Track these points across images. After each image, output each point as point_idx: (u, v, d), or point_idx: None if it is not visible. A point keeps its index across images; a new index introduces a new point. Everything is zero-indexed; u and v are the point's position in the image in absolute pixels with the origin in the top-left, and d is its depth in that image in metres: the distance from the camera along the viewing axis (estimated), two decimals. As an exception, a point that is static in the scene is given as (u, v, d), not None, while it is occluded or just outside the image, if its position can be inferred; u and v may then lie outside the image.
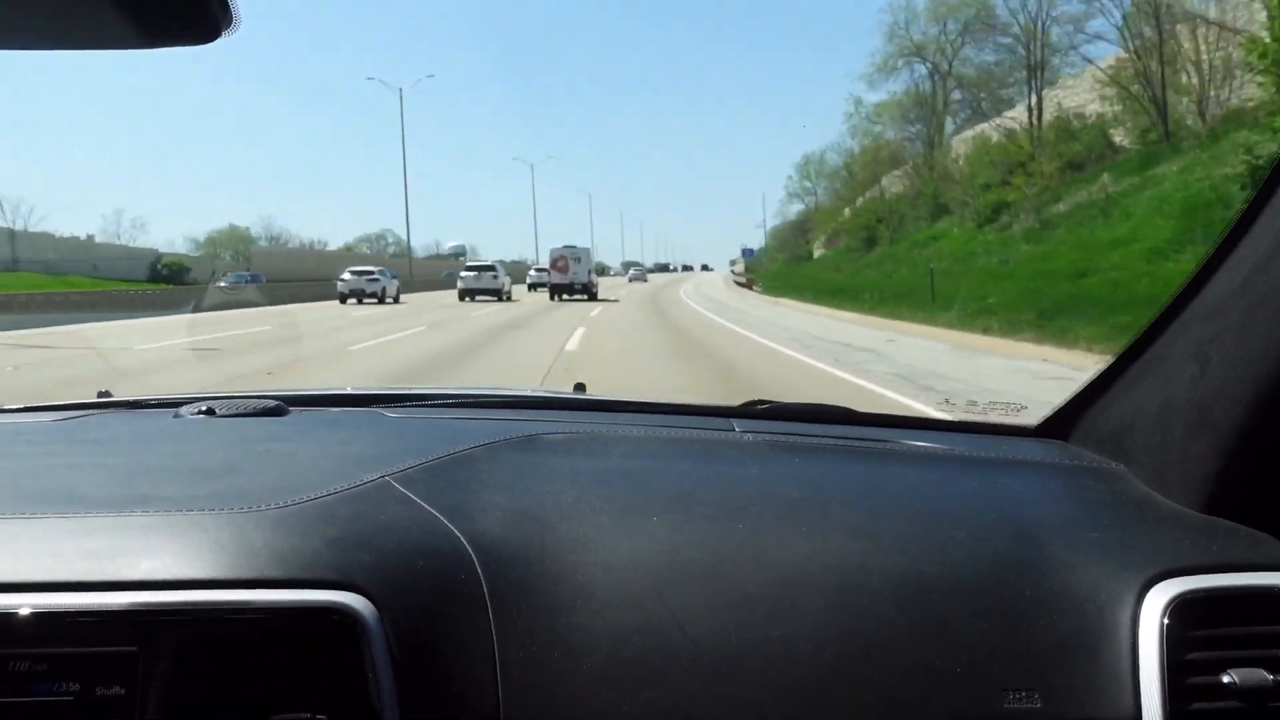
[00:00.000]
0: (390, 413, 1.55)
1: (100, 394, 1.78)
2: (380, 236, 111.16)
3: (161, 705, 0.85)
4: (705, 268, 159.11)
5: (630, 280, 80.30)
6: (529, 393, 1.79)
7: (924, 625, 0.97)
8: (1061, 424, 1.41)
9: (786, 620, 0.97)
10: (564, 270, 39.58)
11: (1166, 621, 0.97)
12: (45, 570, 0.90)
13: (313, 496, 1.04)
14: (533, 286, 47.76)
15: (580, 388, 2.02)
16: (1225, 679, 0.94)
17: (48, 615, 0.87)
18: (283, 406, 1.52)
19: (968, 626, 0.97)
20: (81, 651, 0.87)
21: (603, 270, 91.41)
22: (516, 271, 56.08)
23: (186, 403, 1.53)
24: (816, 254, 64.70)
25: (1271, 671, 0.95)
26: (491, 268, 40.48)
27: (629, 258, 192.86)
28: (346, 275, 38.14)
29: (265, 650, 0.88)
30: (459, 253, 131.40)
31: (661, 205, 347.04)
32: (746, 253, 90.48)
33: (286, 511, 1.00)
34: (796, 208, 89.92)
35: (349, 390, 1.79)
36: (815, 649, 0.95)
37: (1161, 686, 0.94)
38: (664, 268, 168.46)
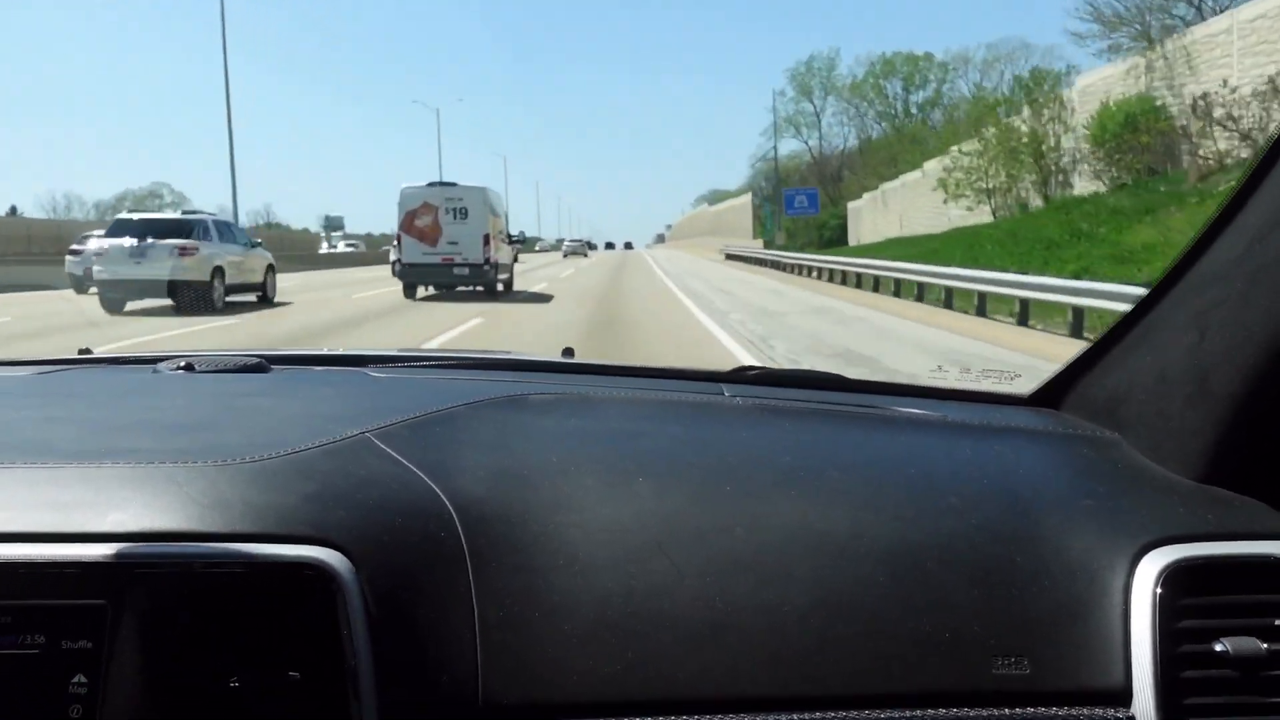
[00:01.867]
0: (376, 372, 1.52)
1: (81, 350, 1.76)
2: (153, 194, 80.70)
3: (130, 659, 0.84)
4: (628, 245, 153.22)
5: (566, 255, 67.74)
6: (517, 355, 1.75)
7: (914, 592, 0.96)
8: (1055, 392, 1.39)
9: (774, 585, 0.96)
10: (433, 237, 19.74)
11: (1159, 590, 0.96)
12: (11, 521, 0.88)
13: (290, 451, 1.01)
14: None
15: (569, 352, 1.99)
16: (1218, 647, 0.93)
17: (13, 567, 0.85)
18: (264, 364, 1.48)
19: (958, 594, 0.96)
20: (48, 604, 0.85)
21: (527, 245, 74.02)
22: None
23: (167, 359, 1.51)
24: (861, 219, 51.42)
25: (1265, 640, 0.94)
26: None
27: (550, 234, 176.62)
28: (98, 244, 16.25)
29: (238, 605, 0.86)
30: (338, 226, 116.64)
31: (579, 181, 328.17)
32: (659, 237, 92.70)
33: (262, 465, 0.98)
34: (791, 146, 79.19)
35: (335, 351, 1.76)
36: (803, 615, 0.94)
37: (1153, 654, 0.93)
38: (609, 245, 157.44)
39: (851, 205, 53.97)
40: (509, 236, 23.11)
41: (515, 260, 24.01)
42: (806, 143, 77.04)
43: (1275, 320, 0.96)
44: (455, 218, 19.55)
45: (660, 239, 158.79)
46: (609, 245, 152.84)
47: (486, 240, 19.59)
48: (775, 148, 71.27)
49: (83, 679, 0.84)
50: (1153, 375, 1.17)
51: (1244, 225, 1.02)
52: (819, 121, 75.37)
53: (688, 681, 0.91)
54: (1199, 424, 1.08)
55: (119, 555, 0.86)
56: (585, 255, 68.25)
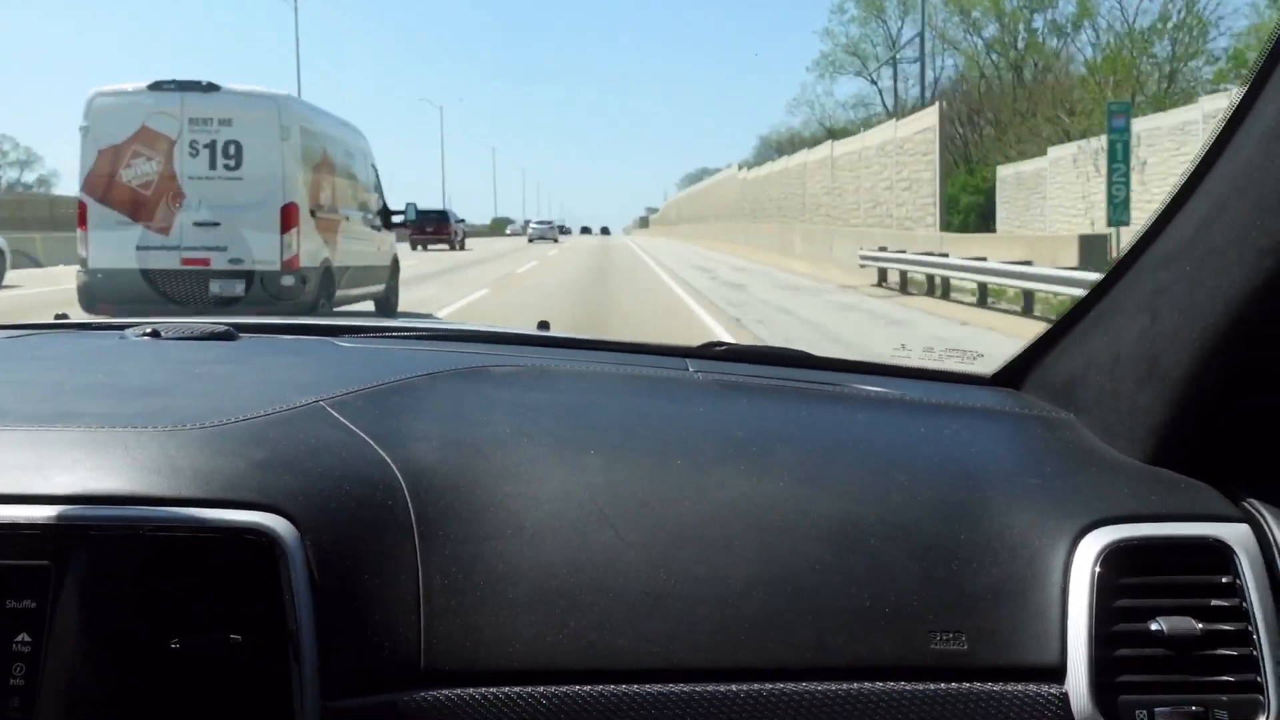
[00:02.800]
0: (344, 342, 1.51)
1: (57, 316, 1.75)
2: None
3: (74, 619, 0.84)
4: (605, 230, 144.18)
5: (532, 240, 58.57)
6: (489, 328, 1.72)
7: (856, 567, 0.97)
8: (1016, 373, 1.39)
9: (719, 558, 0.96)
10: (156, 206, 8.54)
11: (1098, 569, 0.97)
12: None
13: (241, 418, 1.01)
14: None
15: (544, 325, 1.96)
16: (1154, 626, 0.94)
17: None
18: (232, 332, 1.48)
19: (900, 569, 0.97)
20: None
21: (496, 226, 67.19)
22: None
23: (136, 325, 1.50)
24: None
25: (1200, 620, 0.95)
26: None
27: (519, 216, 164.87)
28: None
29: (182, 569, 0.87)
30: None
31: (552, 158, 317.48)
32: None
33: (212, 431, 0.98)
34: (851, 88, 63.01)
35: (306, 320, 1.74)
36: (746, 587, 0.95)
37: (1089, 632, 0.94)
38: (585, 230, 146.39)
39: (1007, 171, 31.71)
40: (383, 212, 12.00)
41: (394, 261, 12.57)
42: (874, 81, 51.50)
43: (1222, 303, 0.96)
44: (215, 162, 8.82)
45: (643, 223, 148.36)
46: (585, 230, 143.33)
47: (288, 217, 8.76)
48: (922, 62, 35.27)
49: (26, 638, 0.84)
50: (1107, 357, 1.16)
51: (1193, 209, 1.02)
52: (895, 50, 47.66)
53: (630, 650, 0.92)
54: (1148, 405, 1.08)
55: (63, 518, 0.87)
56: (555, 240, 57.67)
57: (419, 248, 39.95)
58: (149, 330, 1.45)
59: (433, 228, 41.62)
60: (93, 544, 0.86)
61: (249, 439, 0.97)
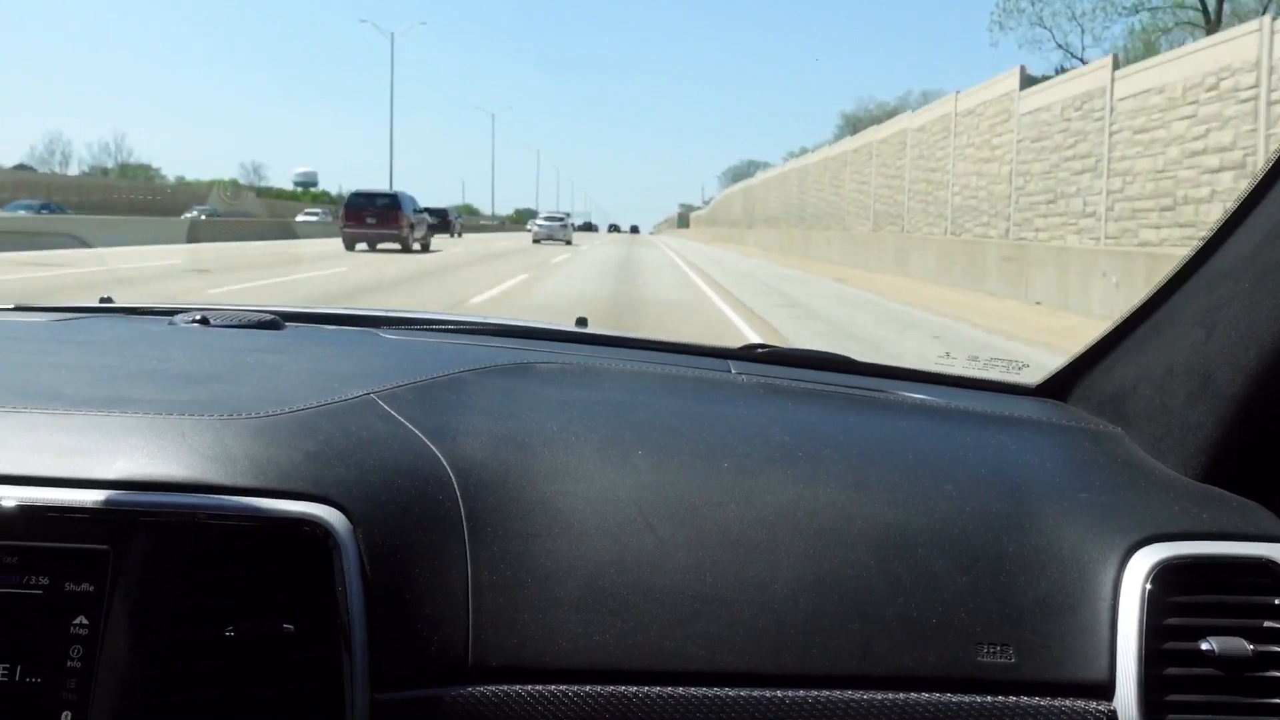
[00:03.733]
0: (388, 334, 1.53)
1: (102, 299, 1.75)
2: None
3: (130, 603, 0.85)
4: (634, 229, 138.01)
5: (537, 240, 44.56)
6: (528, 323, 1.71)
7: (903, 576, 0.96)
8: (1062, 384, 1.38)
9: (765, 562, 0.96)
10: None
11: (1149, 586, 0.96)
12: (19, 464, 0.89)
13: (294, 409, 1.02)
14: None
15: (582, 322, 1.96)
16: (1204, 646, 0.94)
17: (20, 509, 0.86)
18: (278, 320, 1.49)
19: (947, 579, 0.96)
20: (53, 546, 0.86)
21: (519, 219, 54.45)
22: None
23: (184, 311, 1.51)
24: None
25: (1252, 641, 0.94)
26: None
27: (551, 209, 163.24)
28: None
29: (237, 557, 0.88)
30: (311, 182, 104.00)
31: (593, 162, 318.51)
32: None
33: (266, 421, 0.99)
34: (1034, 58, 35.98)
35: (350, 310, 1.75)
36: (792, 593, 0.95)
37: (1138, 650, 0.93)
38: (614, 228, 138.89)
39: None
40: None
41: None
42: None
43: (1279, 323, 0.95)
44: None
45: (682, 221, 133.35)
46: (613, 228, 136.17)
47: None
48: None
49: (84, 620, 0.85)
50: (1158, 371, 1.16)
51: (1255, 224, 1.00)
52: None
53: (674, 652, 0.92)
54: (1200, 422, 1.07)
55: (122, 503, 0.87)
56: (568, 242, 44.23)
57: (356, 247, 27.47)
58: (198, 317, 1.47)
59: (375, 218, 27.42)
60: (150, 530, 0.87)
61: (302, 430, 0.98)
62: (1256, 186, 0.99)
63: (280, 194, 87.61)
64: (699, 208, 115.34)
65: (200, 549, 0.87)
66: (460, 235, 48.58)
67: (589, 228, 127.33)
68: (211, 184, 67.80)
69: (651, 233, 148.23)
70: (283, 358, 1.27)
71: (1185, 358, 1.09)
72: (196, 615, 0.86)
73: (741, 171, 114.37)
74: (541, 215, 50.82)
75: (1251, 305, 0.99)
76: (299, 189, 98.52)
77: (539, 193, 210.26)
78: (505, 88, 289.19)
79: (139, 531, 0.87)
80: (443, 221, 42.85)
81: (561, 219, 48.39)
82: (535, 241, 43.98)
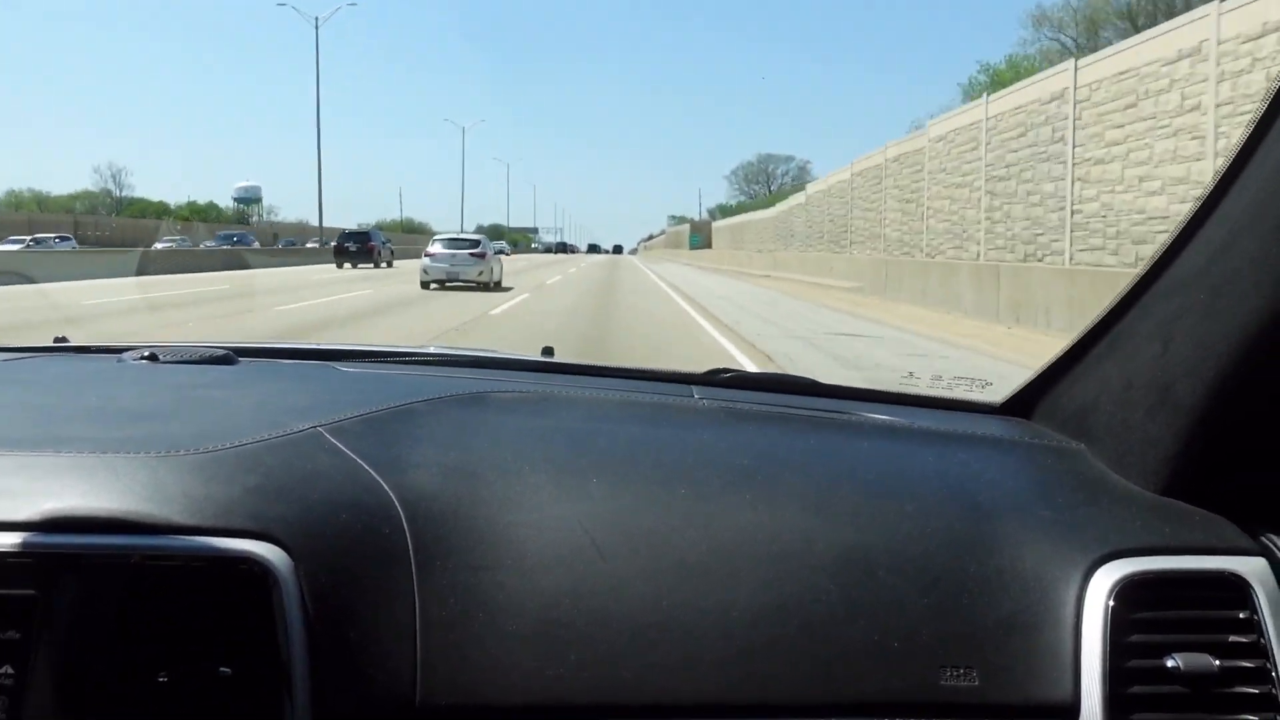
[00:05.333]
0: (345, 367, 1.50)
1: (56, 339, 1.73)
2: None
3: (58, 650, 0.82)
4: (617, 249, 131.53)
5: (426, 284, 24.29)
6: (492, 354, 1.70)
7: (864, 599, 0.95)
8: (1026, 401, 1.37)
9: (723, 589, 0.94)
10: None
11: (1111, 603, 0.94)
12: None
13: (236, 443, 0.99)
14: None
15: (548, 351, 1.94)
16: (1169, 663, 0.92)
17: None
18: (231, 356, 1.46)
19: (909, 602, 0.95)
20: None
21: (361, 248, 37.96)
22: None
23: (134, 349, 1.48)
24: None
25: (1217, 657, 0.92)
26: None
27: (544, 229, 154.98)
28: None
29: (173, 598, 0.85)
30: (253, 198, 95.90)
31: (572, 183, 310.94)
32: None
33: (206, 457, 0.96)
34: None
35: (307, 345, 1.72)
36: (752, 619, 0.93)
37: (1103, 668, 0.92)
38: (593, 248, 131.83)
39: None
40: None
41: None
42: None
43: (1236, 332, 0.94)
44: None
45: (699, 240, 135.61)
46: (593, 248, 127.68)
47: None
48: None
49: (9, 670, 0.82)
50: (1118, 385, 1.15)
51: (1208, 236, 1.00)
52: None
53: (632, 684, 0.90)
54: (1160, 436, 1.06)
55: (49, 545, 0.85)
56: (490, 285, 25.24)
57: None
58: (146, 354, 1.44)
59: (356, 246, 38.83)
60: (80, 573, 0.84)
61: (243, 465, 0.95)
62: (1206, 200, 0.99)
63: (146, 209, 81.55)
64: (694, 220, 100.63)
65: (134, 592, 0.85)
66: (389, 264, 40.02)
67: (564, 249, 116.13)
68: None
69: (633, 251, 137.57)
70: (231, 393, 1.24)
71: (1144, 371, 1.08)
72: (129, 661, 0.83)
73: (757, 170, 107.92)
74: (438, 239, 26.48)
75: (1207, 316, 0.98)
76: (239, 205, 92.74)
77: (509, 208, 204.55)
78: (472, 101, 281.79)
79: (68, 575, 0.84)
80: (362, 248, 38.02)
81: (474, 243, 26.00)
82: (424, 286, 24.44)
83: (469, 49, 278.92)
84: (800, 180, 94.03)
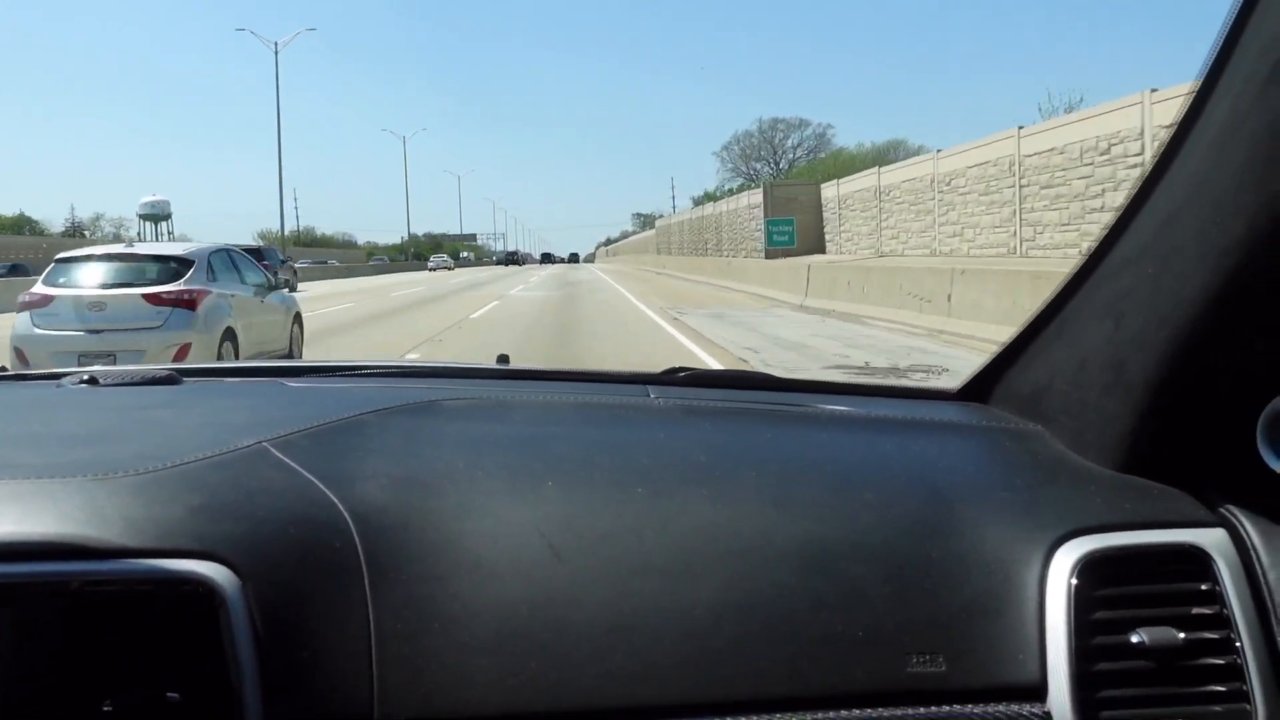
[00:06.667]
0: (293, 383, 1.47)
1: None
2: None
3: None
4: (574, 257, 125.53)
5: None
6: (445, 364, 1.67)
7: (827, 591, 0.94)
8: (982, 386, 1.37)
9: (684, 588, 0.93)
10: None
11: (1074, 581, 0.94)
12: None
13: (178, 463, 0.97)
14: None
15: (504, 359, 1.93)
16: (1134, 638, 0.92)
17: None
18: (175, 376, 1.43)
19: (872, 591, 0.94)
20: None
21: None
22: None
23: (71, 374, 1.45)
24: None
25: (1181, 629, 0.92)
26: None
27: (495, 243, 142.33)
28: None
29: (116, 625, 0.83)
30: (162, 214, 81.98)
31: (524, 187, 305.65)
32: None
33: (146, 478, 0.93)
34: None
35: (252, 363, 1.70)
36: (714, 617, 0.92)
37: (1068, 648, 0.91)
38: (546, 257, 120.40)
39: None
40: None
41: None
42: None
43: (1186, 305, 0.94)
44: None
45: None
46: (546, 257, 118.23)
47: None
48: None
49: None
50: (1072, 365, 1.15)
51: (1152, 211, 1.00)
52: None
53: (594, 690, 0.88)
54: (1116, 412, 1.06)
55: None
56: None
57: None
58: (85, 378, 1.40)
59: None
60: (16, 603, 0.82)
61: (185, 484, 0.93)
62: (1150, 174, 0.99)
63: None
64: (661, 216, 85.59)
65: (75, 619, 0.82)
66: (290, 288, 27.05)
67: (512, 260, 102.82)
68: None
69: (589, 258, 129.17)
70: (174, 412, 1.21)
71: (1097, 349, 1.08)
72: (72, 690, 0.80)
73: (759, 143, 79.73)
74: (68, 262, 9.24)
75: (1156, 290, 0.98)
76: (144, 220, 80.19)
77: (461, 217, 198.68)
78: (413, 108, 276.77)
79: (4, 604, 0.81)
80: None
81: (164, 270, 9.05)
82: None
83: (405, 53, 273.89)
84: (818, 151, 74.54)
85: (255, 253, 31.45)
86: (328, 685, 0.85)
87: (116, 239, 56.86)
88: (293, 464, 1.00)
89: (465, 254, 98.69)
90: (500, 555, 0.94)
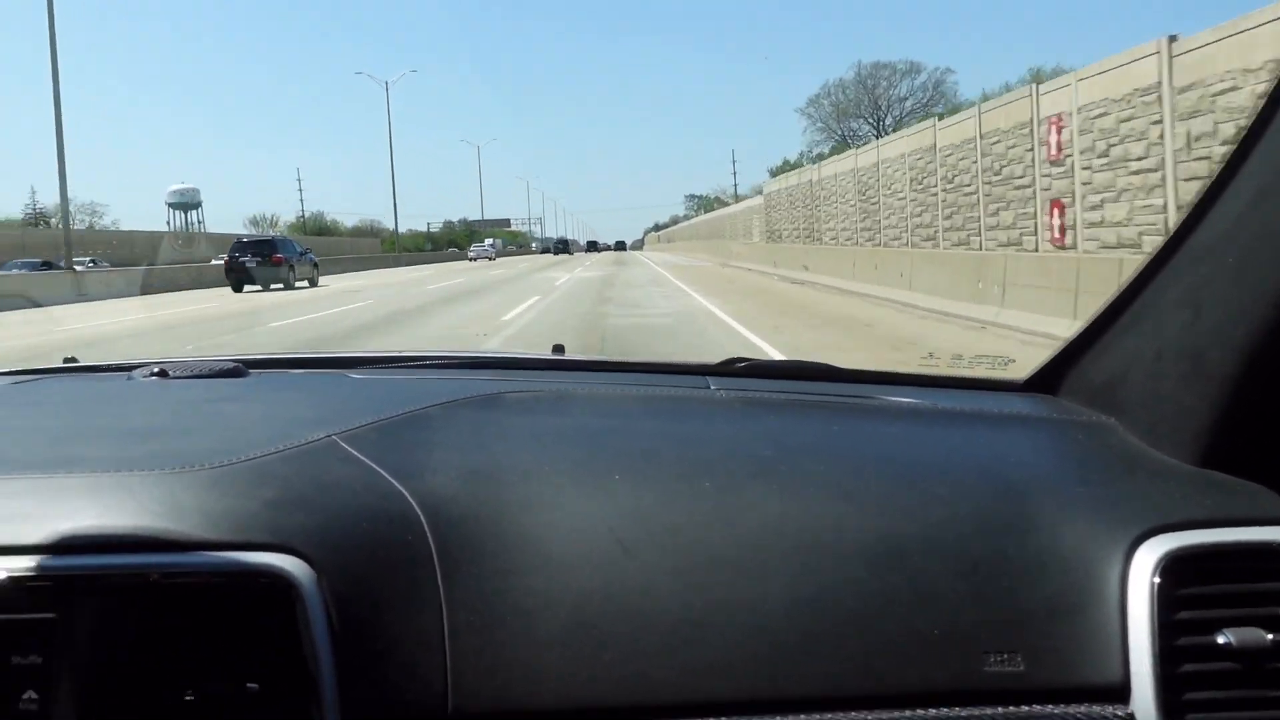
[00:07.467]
0: (356, 374, 1.48)
1: (66, 360, 1.73)
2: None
3: (81, 673, 0.81)
4: (620, 245, 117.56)
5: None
6: (504, 354, 1.70)
7: (900, 587, 0.93)
8: (1050, 377, 1.34)
9: (755, 583, 0.92)
10: None
11: (1157, 580, 0.92)
12: None
13: (251, 456, 0.98)
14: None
15: (559, 349, 1.93)
16: (1220, 639, 0.90)
17: None
18: (241, 368, 1.45)
19: (946, 588, 0.93)
20: None
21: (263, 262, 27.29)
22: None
23: (143, 366, 1.48)
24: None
25: (1269, 630, 0.90)
26: None
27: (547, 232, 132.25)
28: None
29: (194, 615, 0.84)
30: (191, 203, 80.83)
31: (557, 174, 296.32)
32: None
33: (221, 471, 0.95)
34: None
35: (317, 354, 1.70)
36: (785, 613, 0.91)
37: (1152, 648, 0.89)
38: (592, 245, 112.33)
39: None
40: None
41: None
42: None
43: (1269, 296, 0.92)
44: None
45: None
46: (592, 245, 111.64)
47: None
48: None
49: (33, 695, 0.81)
50: (1148, 356, 1.12)
51: (1233, 198, 0.97)
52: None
53: (666, 684, 0.88)
54: (1194, 406, 1.04)
55: (65, 567, 0.84)
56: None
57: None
58: (156, 370, 1.43)
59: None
60: (99, 594, 0.83)
61: (259, 478, 0.94)
62: (1231, 158, 0.96)
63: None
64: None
65: (155, 611, 0.83)
66: (311, 282, 29.03)
67: (563, 248, 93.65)
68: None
69: (637, 245, 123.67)
70: (242, 406, 1.23)
71: (1175, 340, 1.06)
72: (154, 680, 0.82)
73: (854, 98, 63.86)
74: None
75: (1238, 280, 0.95)
76: (173, 209, 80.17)
77: (544, 215, 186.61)
78: (474, 100, 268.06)
79: (87, 596, 0.83)
80: (265, 263, 26.40)
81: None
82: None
83: (424, 22, 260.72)
84: (933, 104, 58.06)
85: (268, 244, 27.64)
86: (402, 676, 0.85)
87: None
88: (362, 457, 1.01)
89: (491, 241, 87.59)
90: (570, 549, 0.93)
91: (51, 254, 35.63)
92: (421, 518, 0.93)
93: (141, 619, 0.83)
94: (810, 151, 64.33)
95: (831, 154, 40.24)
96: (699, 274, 31.32)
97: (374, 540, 0.91)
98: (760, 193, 41.26)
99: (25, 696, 0.80)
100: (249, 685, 0.82)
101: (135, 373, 1.45)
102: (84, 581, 0.83)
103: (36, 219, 71.35)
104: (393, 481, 0.97)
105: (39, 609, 0.82)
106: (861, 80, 65.12)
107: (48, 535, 0.85)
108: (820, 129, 67.52)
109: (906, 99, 64.20)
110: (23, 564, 0.83)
